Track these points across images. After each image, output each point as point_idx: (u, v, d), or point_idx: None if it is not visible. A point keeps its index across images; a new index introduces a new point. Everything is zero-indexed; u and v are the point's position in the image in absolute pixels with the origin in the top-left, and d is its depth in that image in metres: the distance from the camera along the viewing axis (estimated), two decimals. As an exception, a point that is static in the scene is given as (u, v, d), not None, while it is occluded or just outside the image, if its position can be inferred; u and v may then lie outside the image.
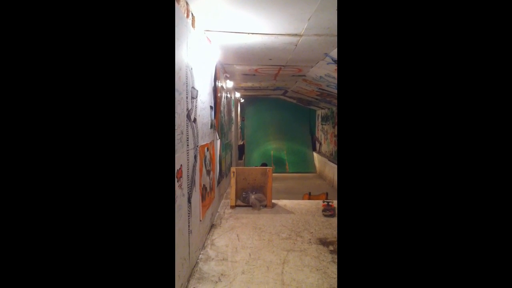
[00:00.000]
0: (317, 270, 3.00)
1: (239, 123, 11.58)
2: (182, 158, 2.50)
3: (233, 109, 8.38)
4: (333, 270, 2.99)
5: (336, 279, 2.82)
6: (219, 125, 5.06)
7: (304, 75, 6.35)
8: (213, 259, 3.20)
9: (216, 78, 4.50)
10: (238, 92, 9.53)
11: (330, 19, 2.95)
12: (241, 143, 12.06)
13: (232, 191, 5.19)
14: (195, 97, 2.97)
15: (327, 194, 6.55)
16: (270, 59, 4.89)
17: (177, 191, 2.33)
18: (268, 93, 10.62)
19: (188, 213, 2.72)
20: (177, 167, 2.32)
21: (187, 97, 2.63)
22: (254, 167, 7.77)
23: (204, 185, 3.54)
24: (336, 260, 3.20)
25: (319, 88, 7.12)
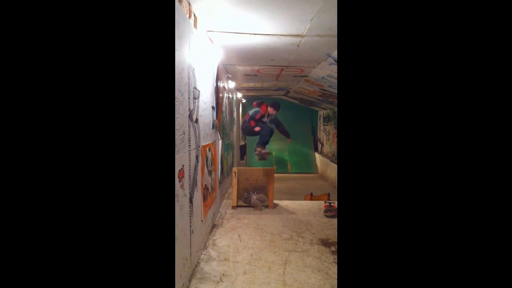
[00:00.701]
0: (319, 271, 3.00)
1: (240, 124, 11.58)
2: (184, 158, 2.50)
3: (234, 110, 8.39)
4: (334, 271, 2.99)
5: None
6: (221, 125, 5.06)
7: (306, 76, 6.34)
8: (214, 259, 3.20)
9: (218, 79, 4.50)
10: (240, 92, 9.53)
11: (332, 19, 2.95)
12: (243, 143, 12.05)
13: (233, 191, 5.19)
14: (197, 97, 2.97)
15: (329, 194, 6.55)
16: (272, 60, 4.88)
17: (179, 191, 2.34)
18: (270, 94, 10.62)
19: (190, 213, 2.72)
20: (179, 167, 2.32)
21: (189, 98, 2.63)
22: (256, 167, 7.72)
23: (205, 185, 3.55)
24: (337, 261, 3.20)
25: (321, 89, 7.12)
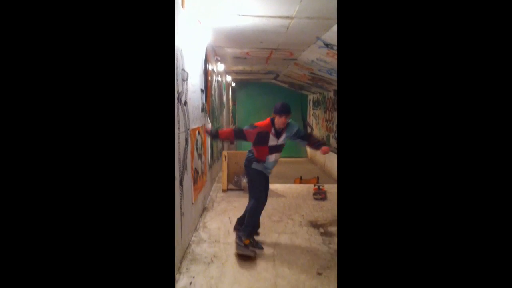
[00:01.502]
0: (308, 251, 3.06)
1: (230, 107, 11.51)
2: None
3: (224, 93, 8.32)
4: (323, 251, 3.05)
5: (326, 261, 2.88)
6: (210, 108, 5.02)
7: (296, 59, 6.30)
8: (205, 241, 3.23)
9: (207, 61, 4.44)
10: (229, 75, 9.44)
11: (322, 2, 2.92)
12: (233, 127, 12.02)
13: (224, 175, 5.21)
14: (185, 79, 2.93)
15: (318, 178, 6.62)
16: (261, 42, 4.83)
17: (169, 174, 2.33)
18: (260, 77, 10.54)
19: (180, 196, 2.72)
20: (168, 150, 2.30)
21: (177, 80, 2.59)
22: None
23: (195, 168, 3.54)
24: (326, 242, 3.26)
25: (311, 73, 7.09)
